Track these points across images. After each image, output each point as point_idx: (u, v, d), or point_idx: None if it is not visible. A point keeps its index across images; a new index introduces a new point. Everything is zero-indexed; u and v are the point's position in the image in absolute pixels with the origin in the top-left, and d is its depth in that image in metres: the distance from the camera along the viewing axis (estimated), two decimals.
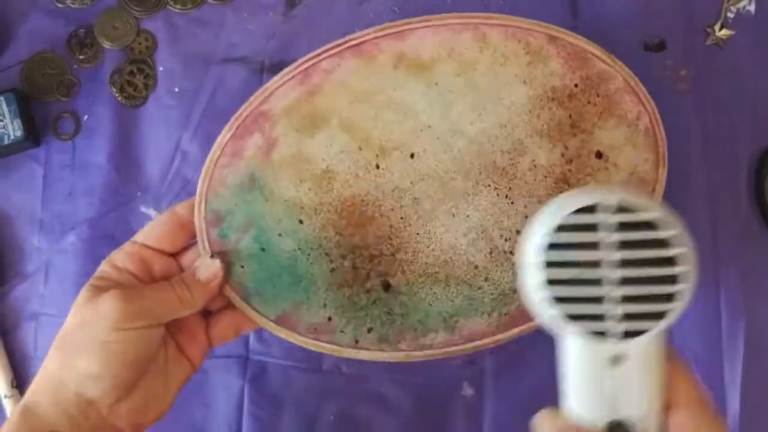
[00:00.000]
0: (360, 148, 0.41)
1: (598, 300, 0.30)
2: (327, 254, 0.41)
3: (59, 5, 0.51)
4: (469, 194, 0.41)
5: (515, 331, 0.41)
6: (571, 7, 0.49)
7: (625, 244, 0.30)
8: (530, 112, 0.41)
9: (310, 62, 0.41)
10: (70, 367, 0.36)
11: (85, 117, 0.50)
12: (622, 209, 0.30)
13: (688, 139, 0.47)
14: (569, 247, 0.30)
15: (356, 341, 0.41)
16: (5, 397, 0.48)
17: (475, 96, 0.41)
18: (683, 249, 0.30)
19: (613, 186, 0.41)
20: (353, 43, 0.41)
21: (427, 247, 0.41)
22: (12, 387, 0.48)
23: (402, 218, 0.41)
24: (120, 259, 0.40)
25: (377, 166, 0.41)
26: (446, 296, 0.41)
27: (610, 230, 0.30)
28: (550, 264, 0.30)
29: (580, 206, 0.30)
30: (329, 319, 0.41)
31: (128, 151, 0.49)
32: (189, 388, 0.45)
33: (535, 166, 0.41)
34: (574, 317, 0.31)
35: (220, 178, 0.41)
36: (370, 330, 0.41)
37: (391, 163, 0.41)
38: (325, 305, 0.41)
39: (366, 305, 0.41)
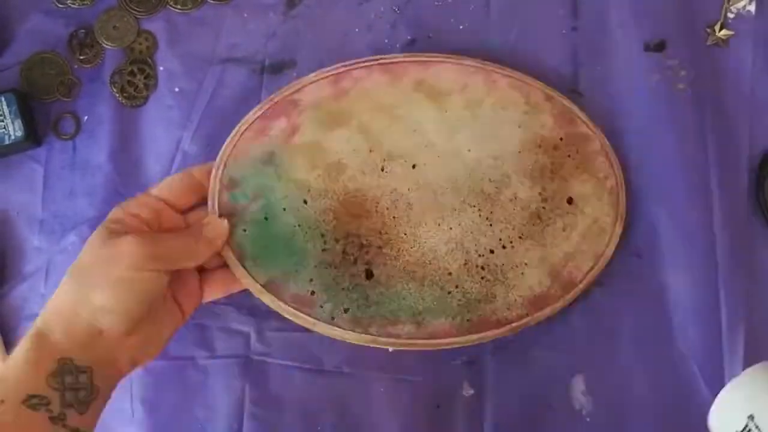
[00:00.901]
0: (371, 150, 0.47)
1: None
2: (322, 235, 0.46)
3: (59, 5, 0.51)
4: (455, 210, 0.47)
5: (474, 337, 0.45)
6: (571, 8, 0.50)
7: None
8: (520, 152, 0.47)
9: (344, 69, 0.47)
10: (85, 300, 0.38)
11: (86, 117, 0.50)
12: None
13: (687, 139, 0.47)
14: None
15: (332, 318, 0.45)
16: None
17: (477, 129, 0.47)
18: None
19: None
20: (384, 61, 0.47)
21: (411, 247, 0.46)
22: None
23: (394, 217, 0.46)
24: (135, 205, 0.42)
25: (382, 169, 0.47)
26: (419, 294, 0.46)
27: None
28: None
29: None
30: (312, 293, 0.45)
31: (129, 151, 0.50)
32: (190, 388, 0.47)
33: (515, 197, 0.47)
34: None
35: (242, 148, 0.46)
36: (346, 310, 0.45)
37: (394, 169, 0.47)
38: (311, 280, 0.45)
39: (347, 287, 0.45)
